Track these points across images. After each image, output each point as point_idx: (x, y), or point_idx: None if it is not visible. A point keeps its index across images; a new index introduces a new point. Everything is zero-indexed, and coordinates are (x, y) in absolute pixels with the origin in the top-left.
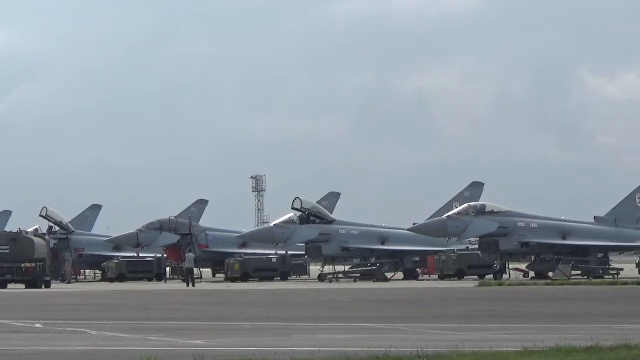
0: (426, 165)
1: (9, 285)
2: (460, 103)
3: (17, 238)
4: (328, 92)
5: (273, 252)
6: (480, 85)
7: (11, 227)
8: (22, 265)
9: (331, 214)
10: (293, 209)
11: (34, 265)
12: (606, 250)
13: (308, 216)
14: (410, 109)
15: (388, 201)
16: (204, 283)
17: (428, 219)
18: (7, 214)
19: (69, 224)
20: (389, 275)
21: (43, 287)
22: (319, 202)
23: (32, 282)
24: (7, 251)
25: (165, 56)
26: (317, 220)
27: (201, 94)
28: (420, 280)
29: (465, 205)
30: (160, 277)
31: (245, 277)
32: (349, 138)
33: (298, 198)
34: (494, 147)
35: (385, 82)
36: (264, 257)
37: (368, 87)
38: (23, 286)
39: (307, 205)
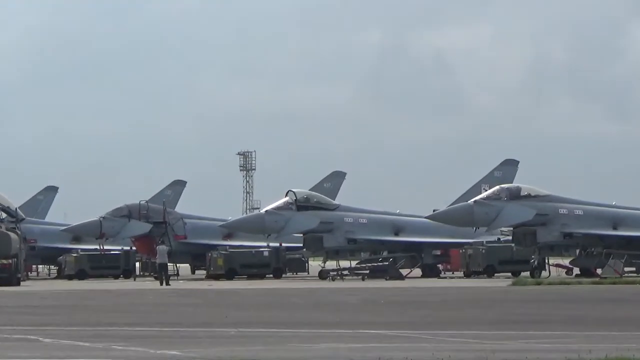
0: (449, 140)
1: None
2: (489, 67)
3: None
4: (330, 53)
5: (264, 244)
6: (512, 47)
7: None
8: None
9: (334, 198)
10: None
11: (10, 261)
12: None
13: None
14: (428, 74)
15: (402, 183)
16: (181, 281)
17: (451, 205)
18: None
19: (18, 210)
20: (404, 272)
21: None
22: (320, 183)
23: (7, 280)
24: None
25: (137, 9)
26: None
27: (180, 55)
28: (442, 278)
29: (496, 187)
30: (129, 273)
31: (230, 274)
32: (355, 108)
33: (291, 191)
34: (530, 119)
35: (398, 42)
36: (254, 250)
37: (378, 47)
38: None
39: (303, 196)
